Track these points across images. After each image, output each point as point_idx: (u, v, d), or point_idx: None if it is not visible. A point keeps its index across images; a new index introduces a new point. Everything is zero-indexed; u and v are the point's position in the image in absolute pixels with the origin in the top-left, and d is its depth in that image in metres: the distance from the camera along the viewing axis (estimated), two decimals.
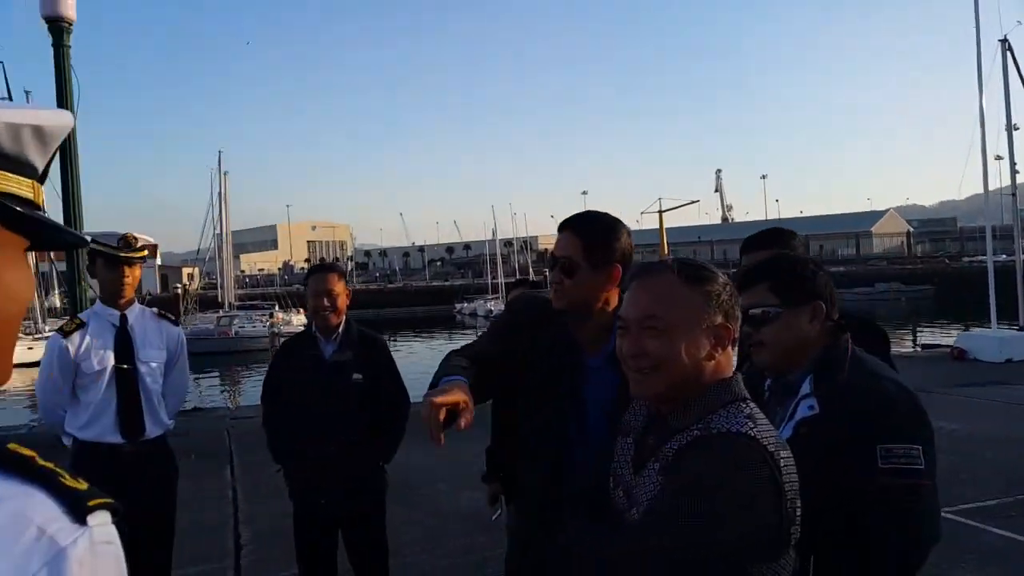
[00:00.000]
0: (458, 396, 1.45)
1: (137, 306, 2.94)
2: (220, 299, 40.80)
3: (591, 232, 1.79)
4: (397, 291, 59.44)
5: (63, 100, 7.17)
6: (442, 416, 1.40)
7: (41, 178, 0.69)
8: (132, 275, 2.85)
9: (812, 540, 1.53)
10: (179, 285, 48.55)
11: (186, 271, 62.88)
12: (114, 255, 2.78)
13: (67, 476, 0.60)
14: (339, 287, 2.98)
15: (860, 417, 1.51)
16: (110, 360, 2.79)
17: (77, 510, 0.57)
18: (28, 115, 0.65)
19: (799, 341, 1.64)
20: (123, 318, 2.86)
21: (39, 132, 0.66)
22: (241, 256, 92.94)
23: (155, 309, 3.10)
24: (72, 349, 2.78)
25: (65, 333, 2.81)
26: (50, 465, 0.60)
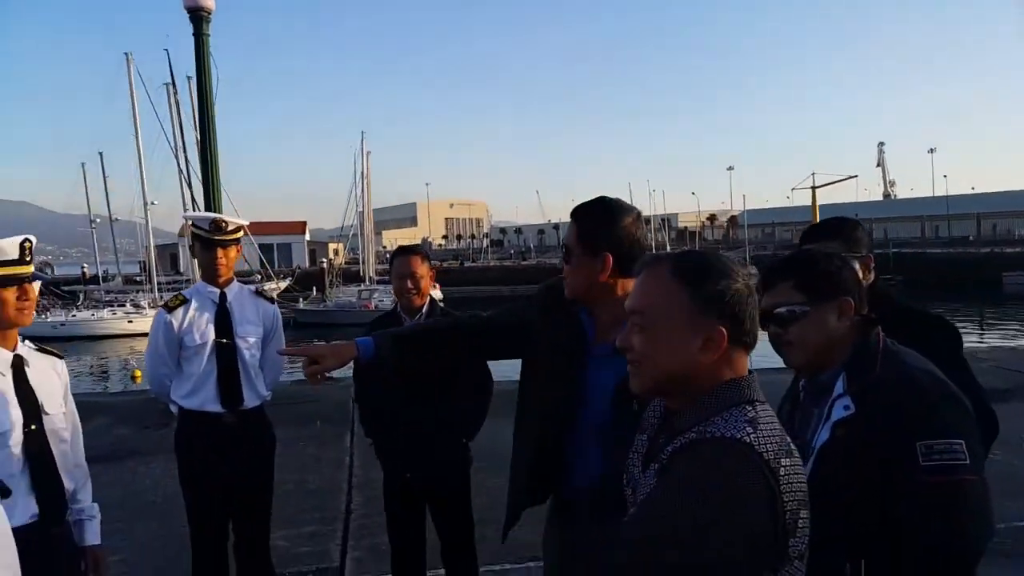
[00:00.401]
0: (321, 351, 1.88)
1: (236, 284, 3.15)
2: (362, 273, 43.08)
3: (585, 219, 1.86)
4: (531, 267, 60.11)
5: (203, 86, 7.80)
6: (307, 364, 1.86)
7: None
8: (226, 256, 3.05)
9: (861, 543, 1.46)
10: (325, 260, 51.70)
11: (332, 246, 66.80)
12: (208, 238, 3.00)
13: None
14: (422, 269, 3.08)
15: (896, 413, 1.43)
16: (211, 334, 3.01)
17: None
18: None
19: (828, 339, 1.57)
20: (222, 295, 3.07)
21: None
22: (383, 233, 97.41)
23: (253, 287, 3.31)
24: (175, 324, 3.01)
25: (169, 309, 3.05)
26: None
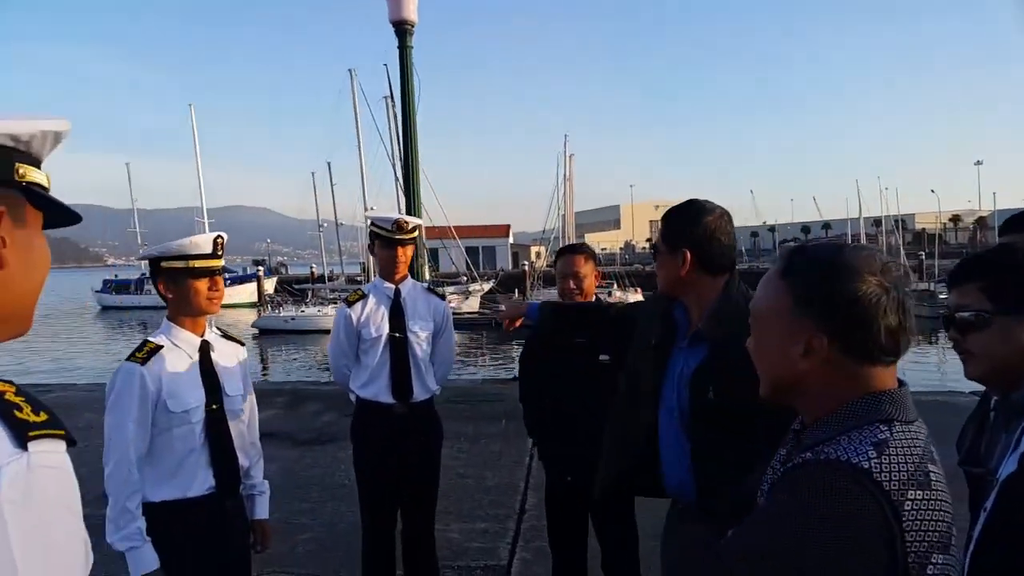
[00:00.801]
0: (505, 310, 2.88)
1: (410, 281, 3.32)
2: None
3: (667, 218, 2.06)
4: (743, 273, 57.63)
5: (406, 96, 8.35)
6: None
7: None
8: (404, 254, 3.22)
9: None
10: (527, 263, 53.28)
11: (534, 249, 68.63)
12: (388, 237, 3.18)
13: (25, 410, 0.75)
14: (585, 268, 3.06)
15: None
16: (385, 328, 3.19)
17: (19, 437, 0.72)
18: (55, 123, 0.86)
19: (1017, 354, 1.32)
20: (397, 291, 3.25)
21: (58, 136, 0.87)
22: (585, 235, 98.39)
23: (425, 284, 3.47)
24: (354, 317, 3.22)
25: (349, 303, 3.27)
26: (15, 400, 0.76)
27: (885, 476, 0.94)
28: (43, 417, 0.76)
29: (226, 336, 2.49)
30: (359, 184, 36.26)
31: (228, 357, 2.42)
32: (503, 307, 2.97)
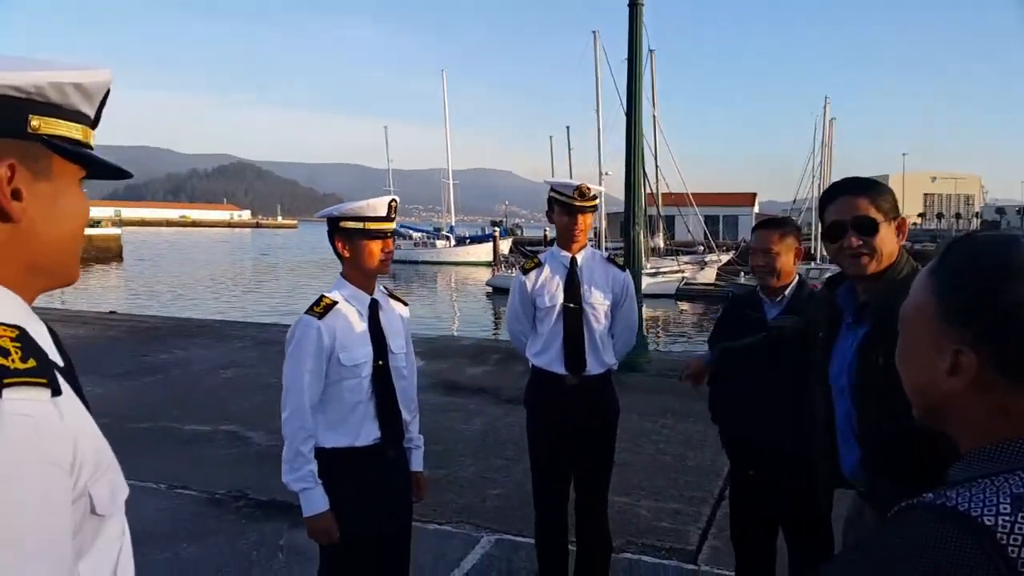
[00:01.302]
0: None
1: (588, 250, 3.26)
2: (812, 250, 40.90)
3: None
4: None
5: (633, 56, 8.22)
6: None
7: (93, 124, 0.93)
8: (584, 222, 3.16)
9: None
10: None
11: None
12: (569, 203, 3.13)
13: (13, 356, 0.78)
14: (780, 246, 2.84)
15: None
16: (559, 298, 3.18)
17: None
18: (70, 74, 0.86)
19: None
20: (573, 260, 3.21)
21: (80, 87, 0.88)
22: None
23: (604, 253, 3.40)
24: (529, 285, 3.25)
25: (525, 271, 3.30)
26: (7, 345, 0.79)
27: (1015, 540, 0.76)
28: (29, 364, 0.78)
29: (392, 296, 2.65)
30: (596, 148, 36.47)
31: (393, 316, 2.57)
32: (686, 368, 2.99)
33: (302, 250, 65.30)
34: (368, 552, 2.46)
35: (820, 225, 2.12)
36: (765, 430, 2.78)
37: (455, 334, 18.03)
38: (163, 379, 7.73)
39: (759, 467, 2.88)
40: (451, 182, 57.24)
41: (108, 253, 50.25)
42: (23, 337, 0.81)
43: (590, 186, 3.13)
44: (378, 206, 2.42)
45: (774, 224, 2.95)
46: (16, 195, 0.85)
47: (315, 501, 2.33)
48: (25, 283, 0.89)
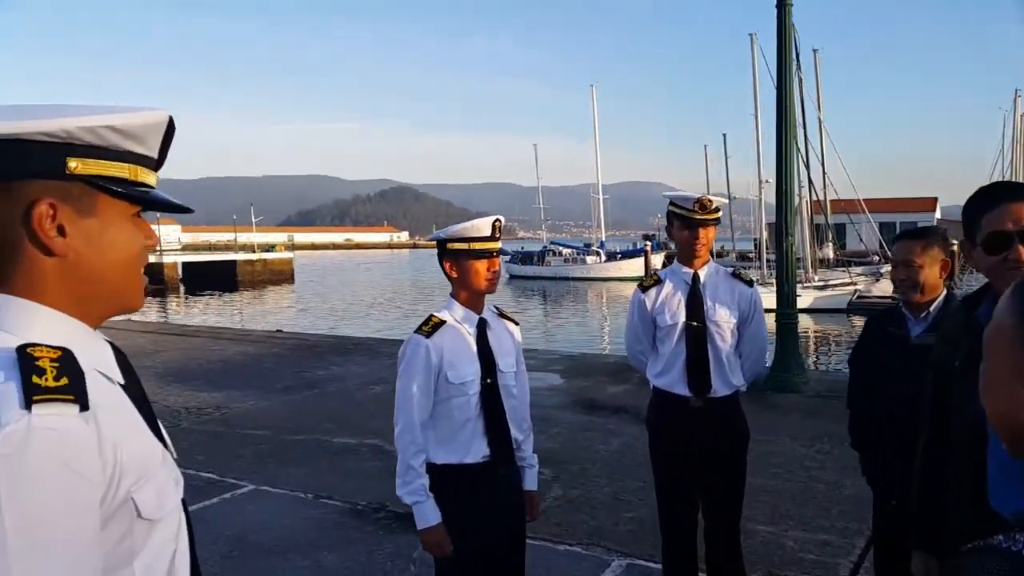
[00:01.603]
0: None
1: (712, 265, 3.15)
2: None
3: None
4: None
5: (782, 55, 7.90)
6: None
7: (154, 163, 1.01)
8: (706, 236, 3.06)
9: None
10: (956, 242, 46.26)
11: None
12: (689, 217, 3.04)
13: (48, 375, 0.86)
14: (923, 258, 2.63)
15: None
16: (681, 316, 3.08)
17: (26, 399, 0.83)
18: (102, 119, 0.93)
19: None
20: (695, 277, 3.11)
21: (118, 130, 0.95)
22: None
23: (730, 269, 3.26)
24: (648, 303, 3.17)
25: (643, 288, 3.22)
26: (45, 365, 0.87)
27: None
28: (61, 383, 0.86)
29: (502, 315, 2.69)
30: (754, 155, 35.18)
31: (503, 335, 2.61)
32: None
33: None
34: (479, 568, 2.50)
35: (970, 233, 1.89)
36: (908, 457, 2.57)
37: (604, 351, 17.94)
38: (319, 394, 8.25)
39: (902, 498, 2.66)
40: (601, 197, 57.25)
41: (282, 276, 54.47)
42: (64, 358, 0.90)
43: (711, 198, 3.04)
44: (482, 227, 2.47)
45: (917, 235, 2.73)
46: (61, 231, 0.93)
47: (427, 514, 2.41)
48: (81, 311, 0.99)
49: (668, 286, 3.17)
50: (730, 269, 3.29)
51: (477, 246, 2.47)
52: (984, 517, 1.90)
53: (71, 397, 0.86)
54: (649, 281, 3.25)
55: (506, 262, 62.78)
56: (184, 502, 1.11)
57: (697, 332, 3.08)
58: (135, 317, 20.81)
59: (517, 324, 2.75)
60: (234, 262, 52.87)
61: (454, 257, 2.50)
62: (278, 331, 15.42)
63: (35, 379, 0.85)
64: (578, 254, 57.50)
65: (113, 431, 0.92)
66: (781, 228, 7.91)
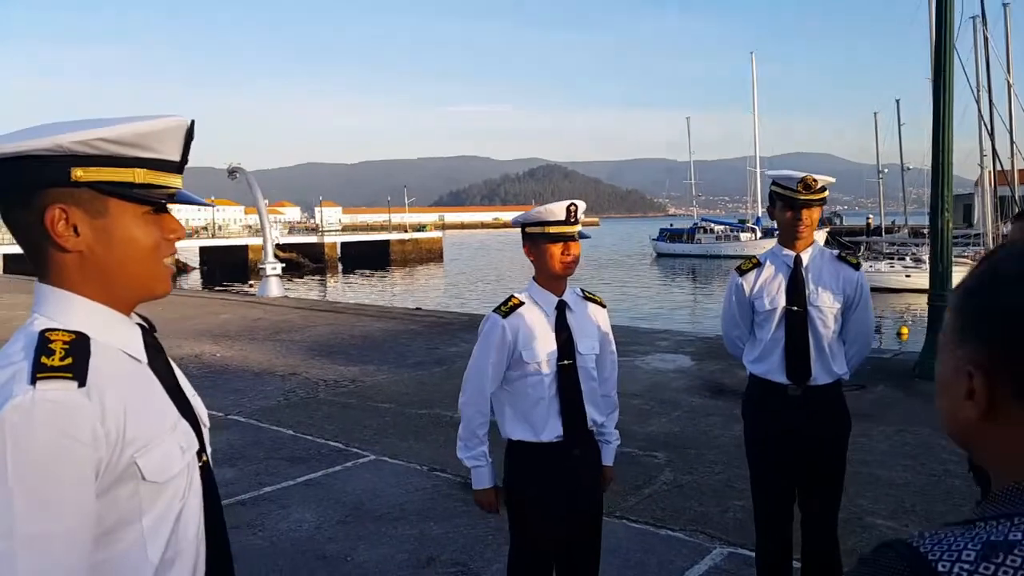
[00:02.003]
0: None
1: (816, 247, 3.01)
2: None
3: None
4: None
5: (944, 15, 7.26)
6: None
7: (174, 165, 1.13)
8: (809, 217, 2.92)
9: None
10: None
11: None
12: (792, 197, 2.90)
13: (56, 355, 1.03)
14: None
15: None
16: (781, 301, 2.96)
17: (32, 376, 0.99)
18: (93, 132, 1.05)
19: None
20: (797, 260, 2.98)
21: (112, 141, 1.06)
22: None
23: (836, 251, 3.09)
24: (747, 287, 3.06)
25: (741, 271, 3.11)
26: (56, 347, 1.04)
27: None
28: (66, 362, 1.02)
29: (587, 297, 2.70)
30: (930, 122, 32.43)
31: (585, 318, 2.62)
32: None
33: (600, 247, 67.35)
34: (552, 545, 2.57)
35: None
36: None
37: None
38: (446, 370, 8.57)
39: None
40: (758, 170, 54.91)
41: (431, 255, 56.71)
42: (75, 341, 1.06)
43: (816, 177, 2.91)
44: (557, 211, 2.51)
45: None
46: (76, 231, 1.08)
47: (483, 477, 2.59)
48: (109, 298, 1.15)
49: (769, 269, 3.07)
50: (835, 252, 3.12)
51: (553, 230, 2.51)
52: None
53: (70, 375, 1.02)
54: (748, 264, 3.14)
55: (653, 240, 61.90)
56: (207, 466, 1.25)
57: (798, 317, 2.96)
58: (292, 295, 22.47)
59: (604, 307, 2.76)
60: (387, 242, 55.56)
61: (532, 240, 2.56)
62: (417, 308, 16.07)
63: (43, 359, 1.02)
64: (731, 231, 55.60)
65: (119, 404, 1.07)
66: (936, 204, 7.29)
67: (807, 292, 2.96)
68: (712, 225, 58.69)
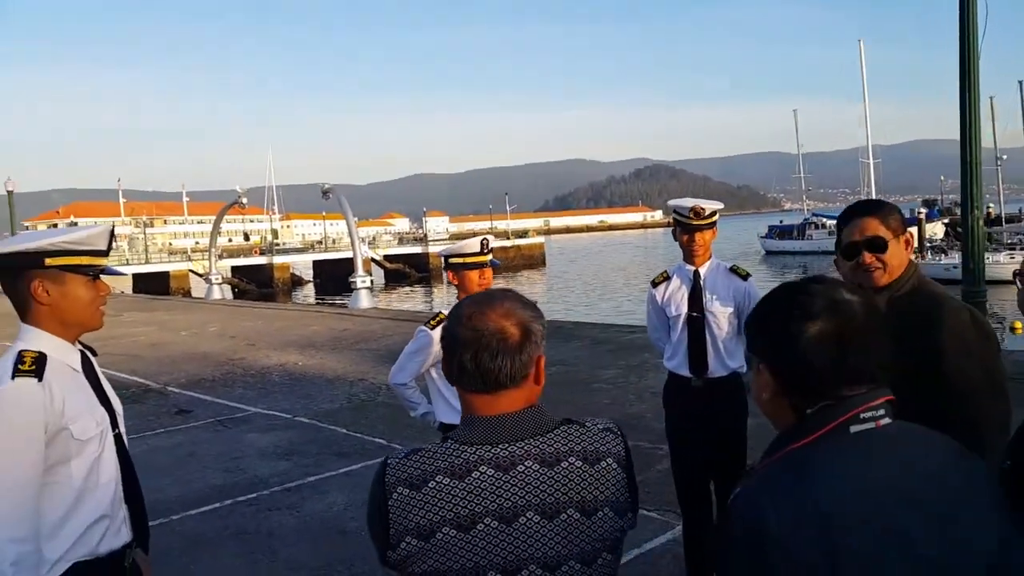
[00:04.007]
0: None
1: (712, 261, 3.56)
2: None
3: None
4: None
5: (966, 27, 7.22)
6: None
7: (103, 252, 1.88)
8: (702, 239, 3.48)
9: None
10: None
11: None
12: (686, 223, 3.47)
13: (24, 363, 1.78)
14: None
15: None
16: (684, 308, 3.53)
17: (13, 375, 1.76)
18: (58, 240, 1.83)
19: None
20: (696, 274, 3.53)
21: (69, 242, 1.84)
22: None
23: (728, 265, 3.60)
24: (659, 297, 3.65)
25: (654, 284, 3.71)
26: (25, 358, 1.79)
27: (392, 473, 1.30)
28: (31, 368, 1.78)
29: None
30: None
31: None
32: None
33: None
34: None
35: (837, 245, 2.31)
36: None
37: None
38: None
39: None
40: (871, 161, 52.71)
41: (533, 260, 57.55)
42: (38, 357, 1.83)
43: (704, 205, 3.45)
44: (473, 245, 3.27)
45: None
46: (47, 292, 1.86)
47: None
48: (63, 332, 1.91)
49: (676, 281, 3.64)
50: (728, 265, 3.63)
51: (470, 260, 3.25)
52: None
53: (33, 375, 1.79)
54: (660, 277, 3.73)
55: (761, 237, 59.92)
56: (119, 436, 2.01)
57: (697, 322, 3.51)
58: (381, 305, 23.78)
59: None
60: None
61: (454, 269, 3.31)
62: None
63: (20, 366, 1.80)
64: None
65: (61, 393, 1.82)
66: (967, 201, 7.30)
67: (704, 300, 3.51)
68: (824, 220, 56.62)
